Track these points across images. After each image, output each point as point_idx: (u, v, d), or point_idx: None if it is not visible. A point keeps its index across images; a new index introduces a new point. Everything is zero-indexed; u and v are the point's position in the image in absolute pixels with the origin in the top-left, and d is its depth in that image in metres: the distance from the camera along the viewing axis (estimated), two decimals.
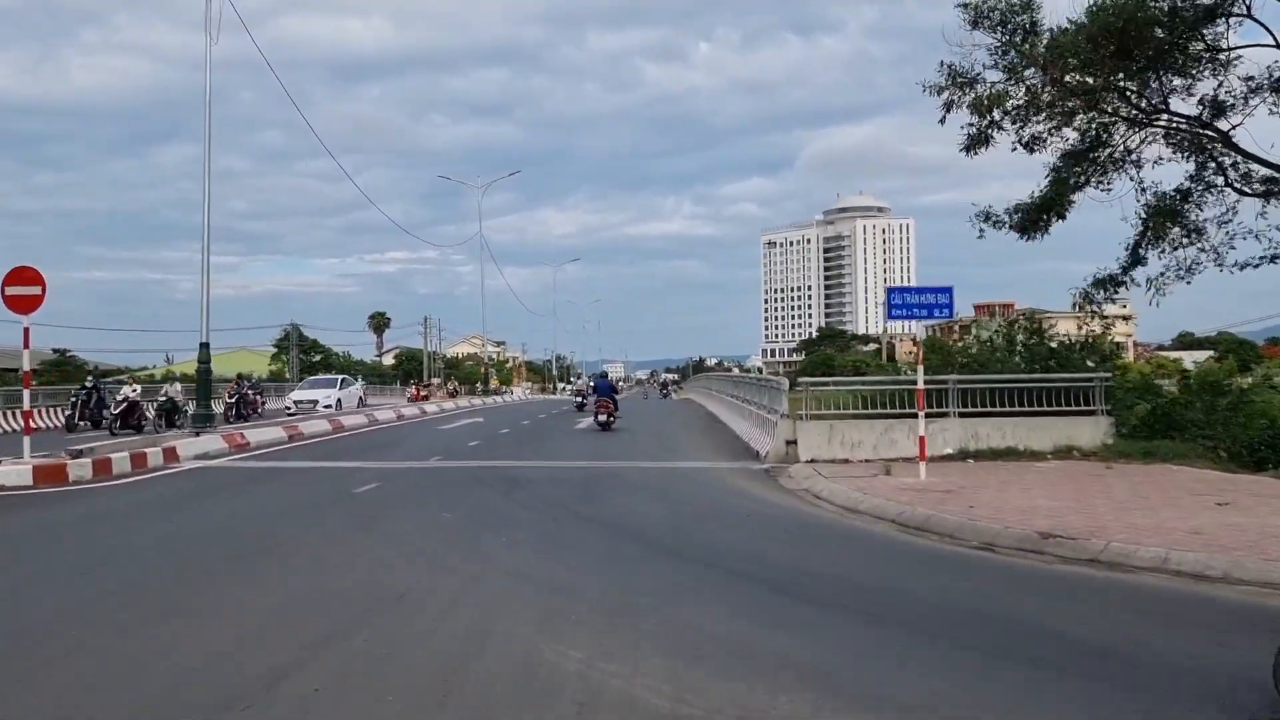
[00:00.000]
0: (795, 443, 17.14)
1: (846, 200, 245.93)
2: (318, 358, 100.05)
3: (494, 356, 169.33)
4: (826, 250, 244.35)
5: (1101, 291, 19.72)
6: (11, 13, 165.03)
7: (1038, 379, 17.45)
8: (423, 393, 49.98)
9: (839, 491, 13.26)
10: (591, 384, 36.12)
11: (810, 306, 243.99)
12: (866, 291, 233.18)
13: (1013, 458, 16.25)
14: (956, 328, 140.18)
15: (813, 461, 16.66)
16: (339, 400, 39.22)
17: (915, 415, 14.42)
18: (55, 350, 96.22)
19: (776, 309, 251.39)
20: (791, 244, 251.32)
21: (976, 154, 19.20)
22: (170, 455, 17.30)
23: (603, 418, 26.86)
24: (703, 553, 9.38)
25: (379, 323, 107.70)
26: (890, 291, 14.43)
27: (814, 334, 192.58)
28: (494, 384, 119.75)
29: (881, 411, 17.30)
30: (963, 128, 19.13)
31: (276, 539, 10.22)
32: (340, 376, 45.36)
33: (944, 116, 18.92)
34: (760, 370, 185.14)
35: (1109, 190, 19.32)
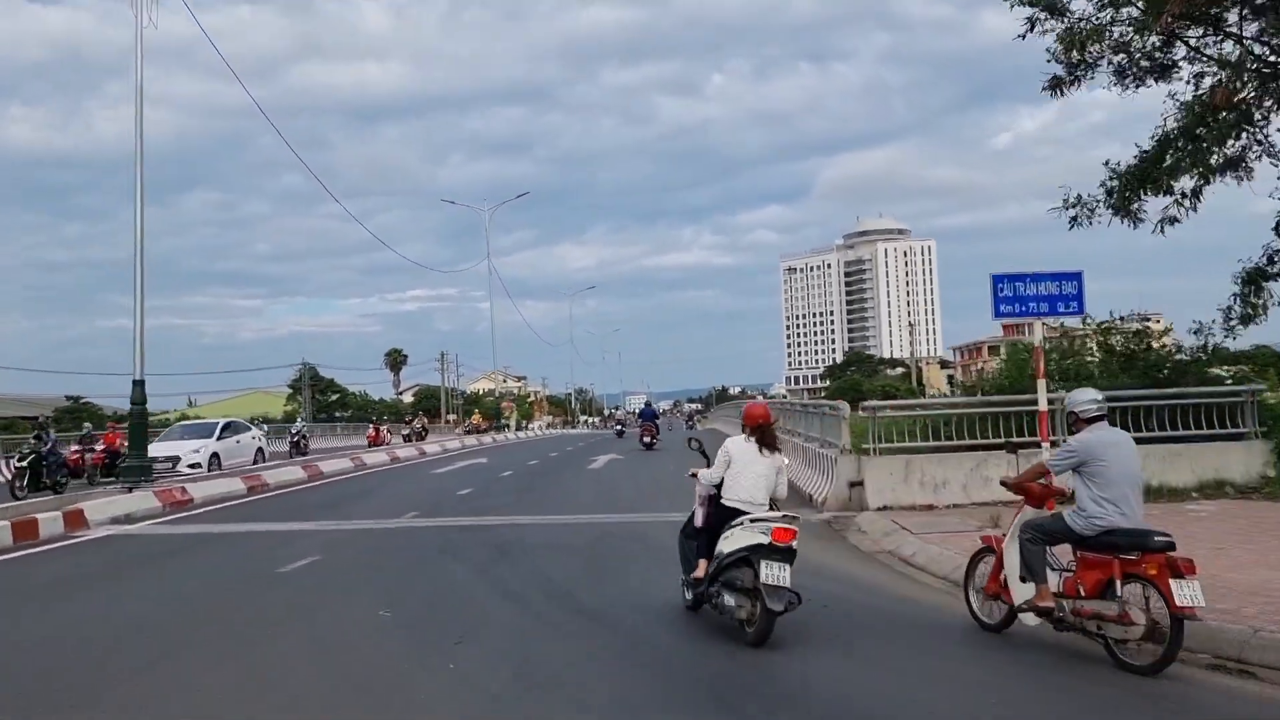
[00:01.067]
0: (861, 484, 13.45)
1: (866, 223, 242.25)
2: (334, 397, 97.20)
3: (514, 391, 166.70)
4: (848, 274, 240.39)
5: (1256, 289, 15.68)
6: (43, 69, 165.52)
7: (1173, 394, 13.66)
8: (385, 437, 44.22)
9: (941, 557, 9.57)
10: (637, 412, 47.16)
11: (833, 332, 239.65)
12: (890, 315, 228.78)
13: (1149, 498, 12.43)
14: (985, 349, 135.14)
15: (885, 509, 12.97)
16: (215, 455, 26.78)
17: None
18: (69, 398, 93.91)
19: (799, 336, 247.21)
20: (812, 269, 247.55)
21: (1062, 95, 15.79)
22: (74, 521, 13.76)
23: (647, 439, 32.25)
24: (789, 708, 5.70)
25: (395, 360, 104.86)
26: (998, 280, 10.57)
27: (838, 359, 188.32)
28: (506, 417, 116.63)
29: (972, 442, 13.56)
30: (1048, 62, 15.84)
31: (105, 671, 6.61)
32: (222, 421, 30.98)
33: (1025, 33, 15.54)
34: (784, 397, 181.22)
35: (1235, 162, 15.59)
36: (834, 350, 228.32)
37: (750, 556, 6.81)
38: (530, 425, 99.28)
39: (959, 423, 13.92)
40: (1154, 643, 5.83)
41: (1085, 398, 6.58)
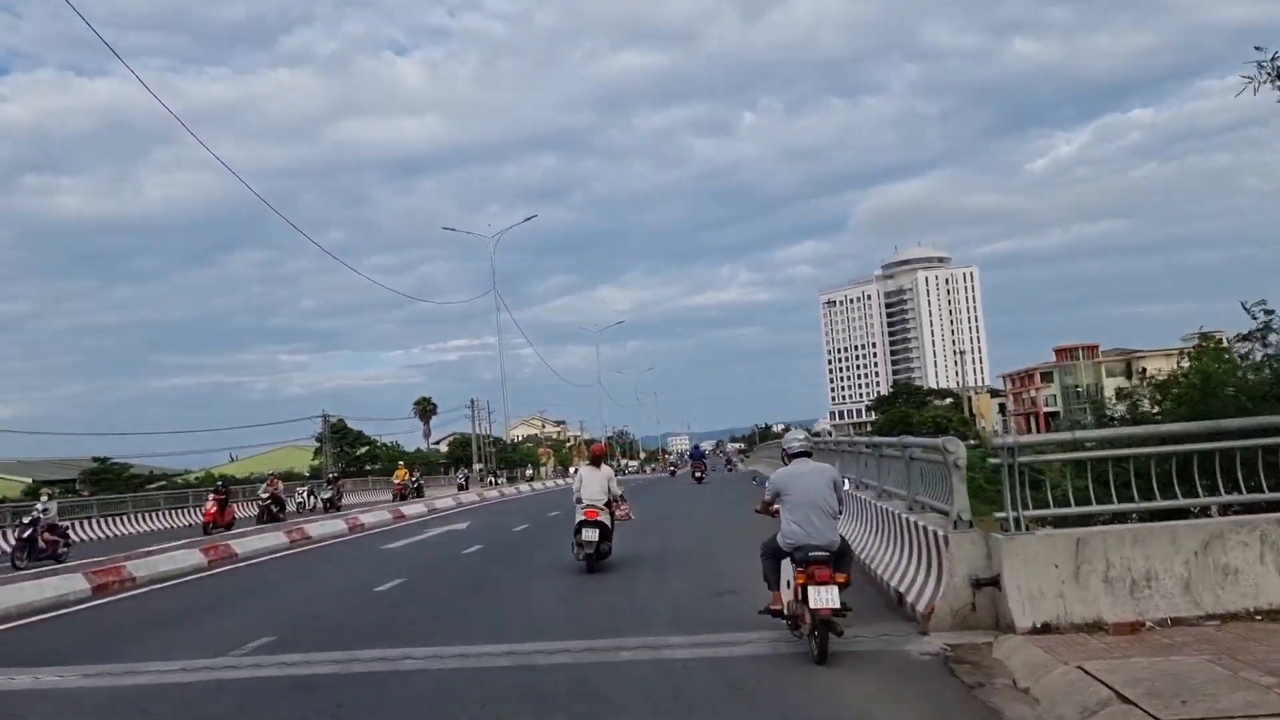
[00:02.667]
0: (996, 584, 7.69)
1: (906, 252, 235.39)
2: (362, 449, 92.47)
3: (554, 435, 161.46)
4: (889, 305, 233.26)
5: None
6: (93, 138, 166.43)
7: None
8: (229, 505, 35.82)
9: None
10: (688, 454, 58.64)
11: (876, 364, 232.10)
12: (934, 344, 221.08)
13: None
14: (1037, 375, 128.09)
15: (1046, 630, 7.28)
16: None
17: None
18: (95, 459, 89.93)
19: (841, 369, 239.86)
20: (852, 301, 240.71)
21: None
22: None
23: (698, 474, 41.68)
24: None
25: (425, 408, 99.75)
26: None
27: (883, 391, 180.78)
28: (544, 462, 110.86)
29: (1189, 502, 7.78)
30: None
31: None
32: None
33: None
34: (829, 432, 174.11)
35: None
36: (878, 382, 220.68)
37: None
38: (535, 475, 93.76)
39: (1145, 465, 8.17)
40: (817, 637, 7.30)
41: (791, 438, 8.44)
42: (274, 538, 20.92)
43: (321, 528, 23.35)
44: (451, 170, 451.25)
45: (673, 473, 47.55)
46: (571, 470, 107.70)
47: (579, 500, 13.27)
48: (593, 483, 13.37)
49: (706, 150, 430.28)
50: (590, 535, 12.93)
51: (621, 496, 13.71)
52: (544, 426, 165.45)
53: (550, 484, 63.90)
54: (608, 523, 13.22)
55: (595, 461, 13.94)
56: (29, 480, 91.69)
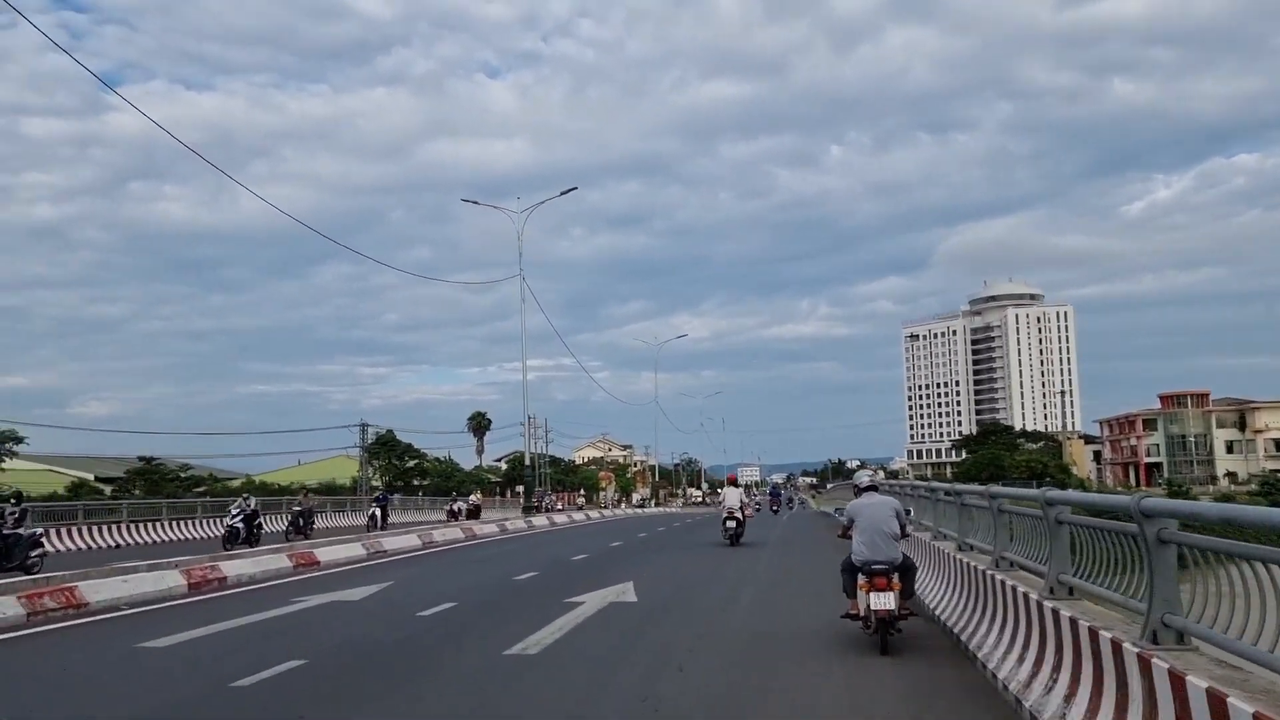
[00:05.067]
0: None
1: (995, 288, 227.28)
2: (411, 463, 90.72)
3: (619, 460, 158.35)
4: (975, 341, 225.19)
5: None
6: (200, 149, 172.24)
7: None
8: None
9: None
10: (769, 490, 74.67)
11: (959, 402, 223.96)
12: (1023, 384, 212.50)
13: None
14: (1139, 422, 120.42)
15: None
16: None
17: None
18: (141, 459, 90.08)
19: (922, 406, 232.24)
20: (936, 336, 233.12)
21: None
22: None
23: (775, 509, 52.87)
24: None
25: (479, 424, 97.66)
26: None
27: (964, 431, 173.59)
28: (603, 487, 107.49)
29: None
30: None
31: None
32: None
33: None
34: (906, 473, 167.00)
35: None
36: (960, 422, 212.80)
37: None
38: (592, 500, 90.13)
39: None
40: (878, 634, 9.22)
41: (860, 476, 10.65)
42: (354, 548, 18.26)
43: (333, 552, 20.50)
44: (536, 193, 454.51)
45: (756, 510, 45.61)
46: (633, 498, 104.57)
47: (725, 505, 25.33)
48: (732, 496, 25.34)
49: (791, 181, 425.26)
50: (730, 525, 24.17)
51: (745, 504, 26.24)
52: (610, 450, 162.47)
53: (613, 512, 60.63)
54: (740, 518, 24.40)
55: (734, 484, 27.62)
56: (91, 476, 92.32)
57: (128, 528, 32.15)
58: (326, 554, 19.98)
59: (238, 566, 16.51)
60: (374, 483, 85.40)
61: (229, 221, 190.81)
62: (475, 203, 47.64)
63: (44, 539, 20.80)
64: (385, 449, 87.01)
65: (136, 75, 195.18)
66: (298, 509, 32.40)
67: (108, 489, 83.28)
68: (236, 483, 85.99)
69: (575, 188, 47.61)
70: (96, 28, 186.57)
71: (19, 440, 79.06)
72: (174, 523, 35.23)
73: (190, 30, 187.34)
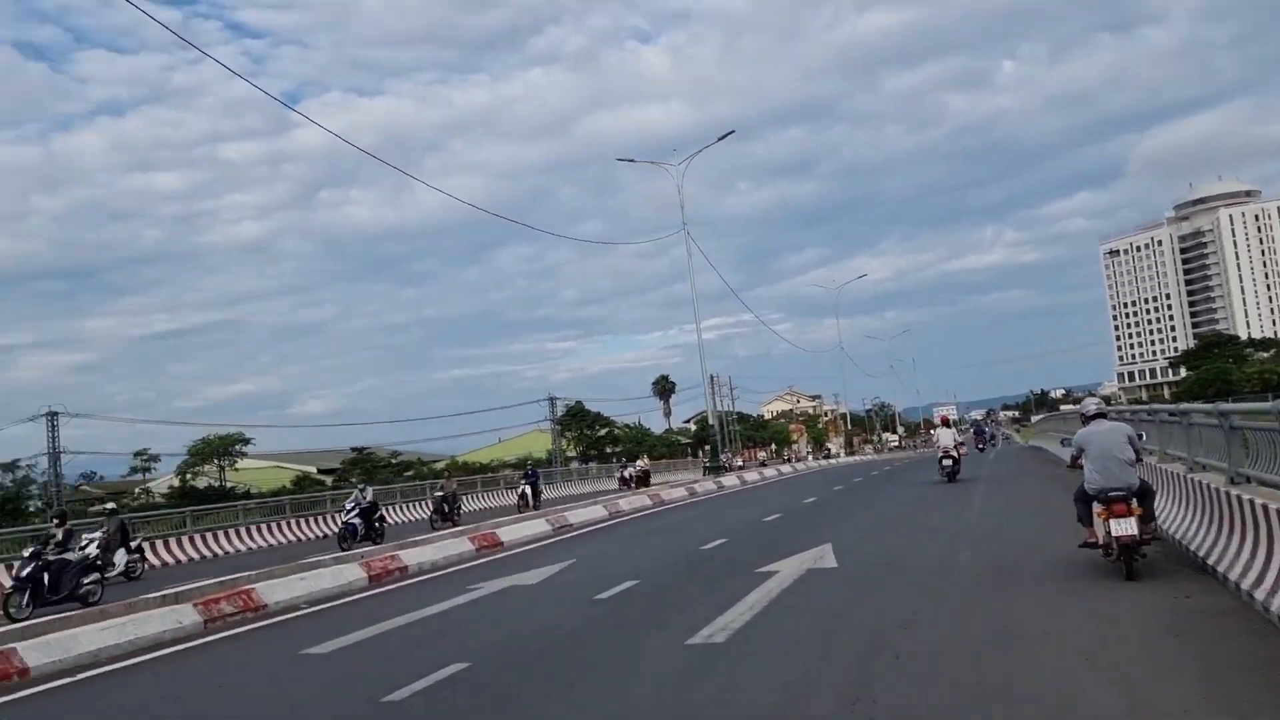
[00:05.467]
0: None
1: (1202, 189, 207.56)
2: (602, 431, 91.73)
3: (809, 411, 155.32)
4: (1184, 249, 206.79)
5: None
6: (376, 152, 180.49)
7: None
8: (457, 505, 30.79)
9: None
10: (970, 427, 71.69)
11: (1172, 317, 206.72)
12: (1244, 289, 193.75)
13: None
14: None
15: None
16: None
17: None
18: (354, 449, 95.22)
19: (1130, 326, 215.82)
20: (1139, 249, 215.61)
21: None
22: None
23: (980, 446, 49.47)
24: None
25: (664, 388, 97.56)
26: None
27: (1181, 347, 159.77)
28: (794, 440, 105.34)
29: None
30: None
31: None
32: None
33: None
34: (1119, 398, 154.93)
35: None
36: (1174, 338, 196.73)
37: None
38: (784, 454, 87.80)
39: None
40: (1122, 560, 9.10)
41: (1088, 403, 10.60)
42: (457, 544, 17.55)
43: (516, 531, 19.89)
44: (701, 157, 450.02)
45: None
46: (828, 449, 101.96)
47: (940, 445, 26.87)
48: (945, 436, 27.16)
49: (961, 106, 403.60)
50: (947, 463, 25.61)
51: (960, 443, 27.84)
52: (798, 401, 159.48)
53: (805, 465, 58.76)
54: (956, 455, 25.91)
55: (946, 424, 30.02)
56: (314, 469, 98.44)
57: (295, 524, 31.56)
58: (510, 533, 19.40)
59: (419, 554, 16.03)
60: (568, 453, 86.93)
61: (412, 217, 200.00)
62: (631, 160, 46.37)
63: (112, 560, 20.04)
64: (576, 420, 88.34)
65: (313, 90, 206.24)
66: (439, 494, 30.70)
67: (329, 480, 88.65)
68: (441, 464, 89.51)
69: (732, 131, 45.54)
70: (274, 50, 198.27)
71: (246, 441, 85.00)
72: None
73: (358, 40, 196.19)
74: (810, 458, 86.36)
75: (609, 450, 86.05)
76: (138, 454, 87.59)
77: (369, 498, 23.82)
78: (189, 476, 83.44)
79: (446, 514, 29.04)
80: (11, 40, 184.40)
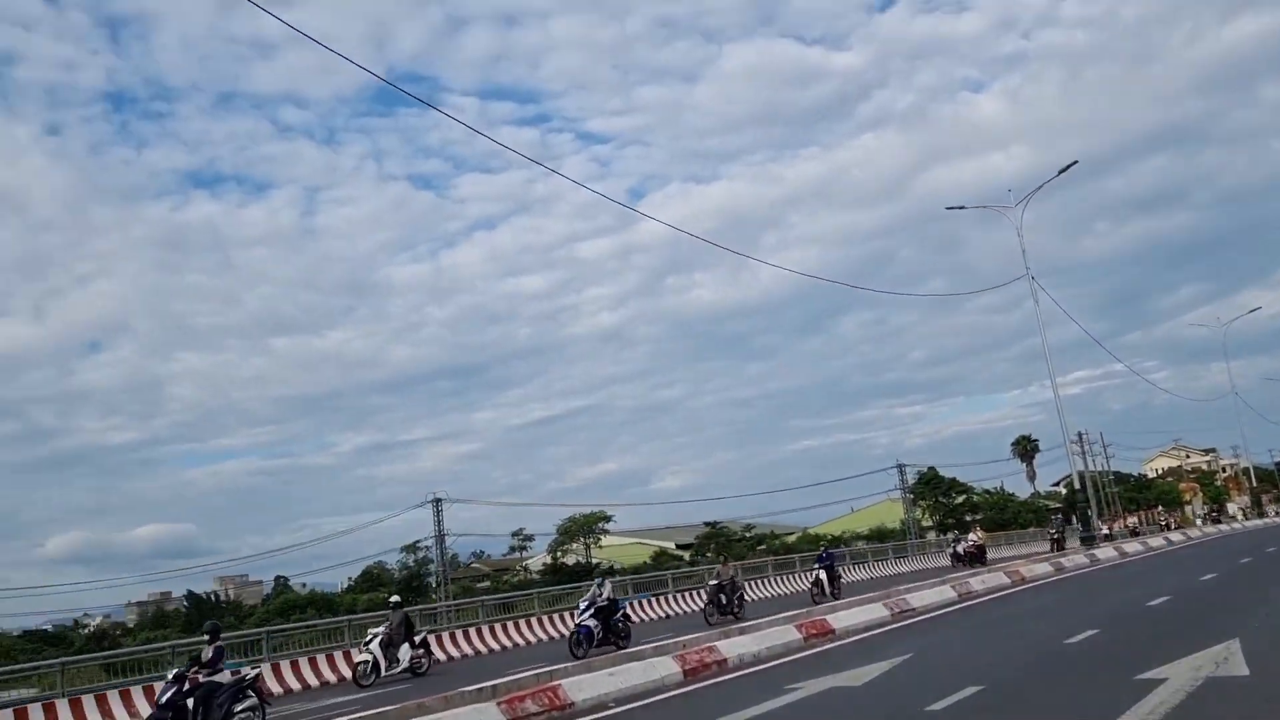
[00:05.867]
0: None
1: None
2: (959, 499, 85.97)
3: (1201, 468, 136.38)
4: None
5: None
6: (715, 235, 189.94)
7: None
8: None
9: None
10: None
11: None
12: None
13: None
14: None
15: None
16: None
17: None
18: (706, 523, 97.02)
19: None
20: None
21: None
22: None
23: None
24: None
25: (1025, 448, 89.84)
26: None
27: None
28: (1188, 500, 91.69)
29: None
30: None
31: None
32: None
33: None
34: None
35: None
36: None
37: None
38: (1174, 521, 75.72)
39: None
40: None
41: None
42: (782, 633, 16.25)
43: (850, 617, 18.18)
44: (1047, 196, 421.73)
45: None
46: (1230, 510, 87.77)
47: None
48: None
49: None
50: None
51: None
52: (1187, 456, 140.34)
53: (1201, 530, 50.82)
54: None
55: None
56: (672, 544, 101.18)
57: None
58: (844, 619, 17.76)
59: (739, 645, 14.92)
60: (923, 523, 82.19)
61: (752, 294, 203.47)
62: (961, 207, 43.39)
63: (258, 683, 15.13)
64: (929, 487, 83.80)
65: (655, 184, 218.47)
66: (715, 582, 26.96)
67: (686, 555, 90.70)
68: (793, 537, 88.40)
69: (1074, 163, 41.14)
70: (619, 152, 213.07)
71: (608, 519, 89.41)
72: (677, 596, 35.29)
73: (692, 133, 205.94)
74: (1200, 521, 74.90)
75: (968, 519, 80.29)
76: (515, 534, 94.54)
77: (607, 594, 21.33)
78: (559, 554, 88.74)
79: (725, 605, 25.89)
80: (405, 175, 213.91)
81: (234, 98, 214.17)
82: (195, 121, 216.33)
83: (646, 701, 12.23)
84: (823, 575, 30.04)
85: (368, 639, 20.75)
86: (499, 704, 10.89)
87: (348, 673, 21.69)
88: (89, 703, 18.49)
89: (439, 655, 24.03)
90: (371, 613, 36.38)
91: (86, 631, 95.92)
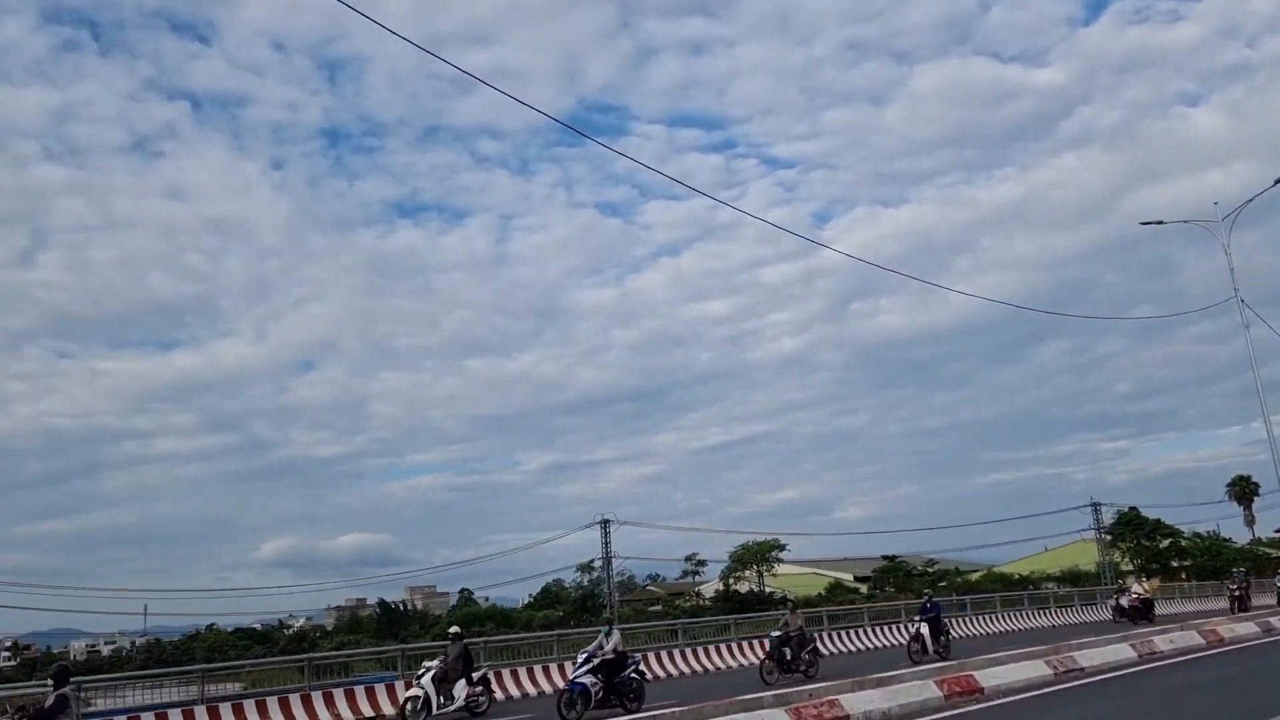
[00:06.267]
0: None
1: None
2: (1165, 542, 78.91)
3: None
4: None
5: None
6: (901, 260, 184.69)
7: None
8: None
9: None
10: None
11: None
12: None
13: None
14: None
15: None
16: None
17: None
18: (885, 557, 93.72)
19: None
20: None
21: None
22: None
23: None
24: None
25: (1242, 490, 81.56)
26: None
27: None
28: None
29: None
30: None
31: None
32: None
33: None
34: None
35: None
36: None
37: None
38: None
39: None
40: None
41: None
42: (919, 688, 14.95)
43: (1002, 675, 16.56)
44: (1273, 215, 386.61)
45: None
46: None
47: None
48: None
49: None
50: None
51: None
52: None
53: None
54: None
55: None
56: (849, 576, 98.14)
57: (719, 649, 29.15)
58: (996, 676, 16.18)
59: (866, 700, 13.72)
60: (1122, 565, 76.00)
61: (941, 320, 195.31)
62: (1160, 223, 39.73)
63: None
64: (1130, 528, 77.45)
65: (841, 208, 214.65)
66: (777, 634, 22.70)
67: (863, 588, 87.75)
68: (977, 575, 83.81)
69: None
70: (804, 176, 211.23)
71: (782, 548, 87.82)
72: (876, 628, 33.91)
73: (880, 155, 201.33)
74: None
75: (1174, 564, 73.61)
76: (687, 558, 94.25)
77: (613, 645, 17.95)
78: (731, 581, 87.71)
79: (789, 662, 21.98)
80: (594, 202, 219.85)
81: (437, 131, 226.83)
82: (401, 155, 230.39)
83: None
84: (924, 629, 25.63)
85: (420, 672, 18.94)
86: (787, 711, 10.31)
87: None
88: (295, 702, 19.38)
89: (499, 694, 22.15)
90: (544, 632, 35.99)
91: (290, 632, 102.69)
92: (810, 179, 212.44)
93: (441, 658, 19.25)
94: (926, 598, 28.76)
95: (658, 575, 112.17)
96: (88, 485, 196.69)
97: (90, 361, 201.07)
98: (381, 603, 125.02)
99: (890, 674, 15.07)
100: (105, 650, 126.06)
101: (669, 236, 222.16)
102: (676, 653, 27.85)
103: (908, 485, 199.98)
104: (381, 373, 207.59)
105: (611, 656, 17.76)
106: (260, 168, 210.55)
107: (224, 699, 19.62)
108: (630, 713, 16.72)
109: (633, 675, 18.02)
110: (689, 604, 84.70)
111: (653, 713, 13.45)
